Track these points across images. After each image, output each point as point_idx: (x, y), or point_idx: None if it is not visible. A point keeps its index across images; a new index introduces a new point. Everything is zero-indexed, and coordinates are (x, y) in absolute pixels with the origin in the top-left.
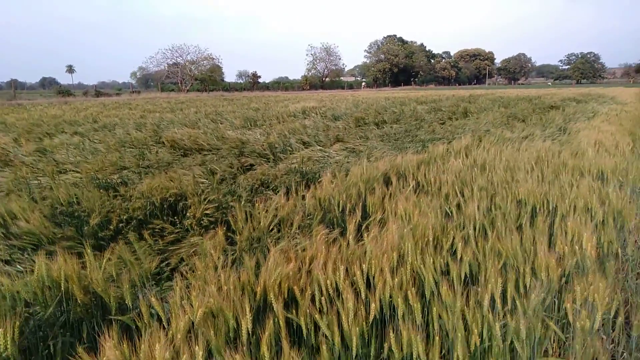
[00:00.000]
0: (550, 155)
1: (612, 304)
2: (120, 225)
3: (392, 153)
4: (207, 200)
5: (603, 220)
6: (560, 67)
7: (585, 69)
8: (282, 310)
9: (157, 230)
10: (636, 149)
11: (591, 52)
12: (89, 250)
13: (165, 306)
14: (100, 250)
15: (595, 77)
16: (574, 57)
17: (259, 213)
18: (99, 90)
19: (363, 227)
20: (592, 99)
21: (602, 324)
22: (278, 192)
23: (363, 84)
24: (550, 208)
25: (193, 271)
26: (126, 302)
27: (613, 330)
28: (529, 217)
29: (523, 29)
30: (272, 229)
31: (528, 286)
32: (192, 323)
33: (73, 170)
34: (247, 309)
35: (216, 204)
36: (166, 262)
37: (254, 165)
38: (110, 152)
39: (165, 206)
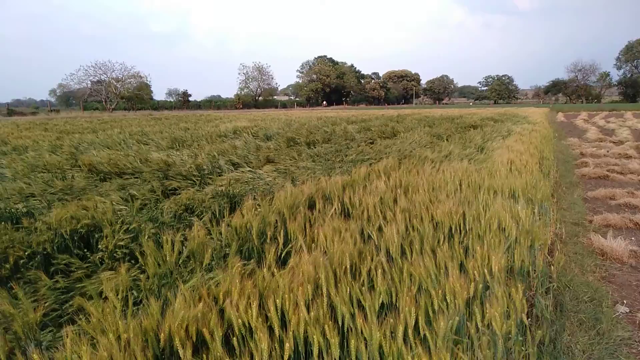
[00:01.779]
0: (467, 175)
1: (512, 327)
2: (21, 262)
3: (321, 174)
4: (122, 230)
5: (516, 239)
6: (480, 88)
7: (502, 90)
8: (190, 358)
9: (63, 265)
10: (543, 167)
11: (506, 75)
12: None
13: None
14: None
15: (510, 98)
16: (490, 79)
17: (171, 245)
18: (12, 109)
19: (282, 256)
20: (508, 118)
21: (512, 347)
22: (203, 217)
23: (324, 102)
24: (467, 229)
25: (88, 318)
26: None
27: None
28: (446, 239)
29: (444, 52)
30: (185, 262)
31: (437, 312)
32: None
33: None
34: None
35: (132, 234)
36: (70, 302)
37: (178, 189)
38: (18, 178)
39: (76, 238)
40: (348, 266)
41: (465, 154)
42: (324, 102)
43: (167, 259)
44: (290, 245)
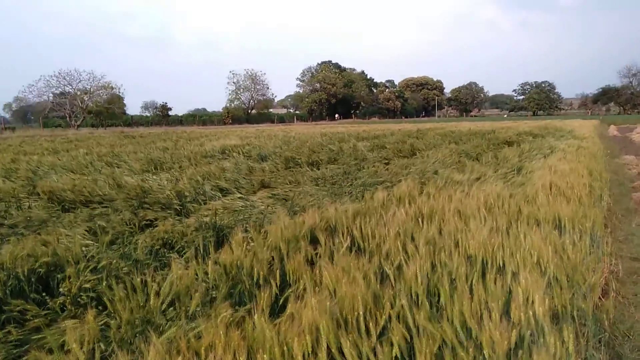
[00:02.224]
0: (501, 201)
1: None
2: None
3: (327, 201)
4: (88, 270)
5: (556, 277)
6: (515, 98)
7: (541, 100)
8: None
9: (17, 313)
10: (594, 191)
11: (546, 82)
12: None
13: None
14: None
15: (551, 108)
16: (528, 86)
17: (150, 287)
18: None
19: (281, 301)
20: (549, 133)
21: None
22: (184, 253)
23: (336, 115)
24: (501, 264)
25: None
26: None
27: None
28: (479, 276)
29: (472, 55)
30: (165, 309)
31: None
32: None
33: None
34: None
35: (99, 275)
36: (24, 358)
37: (156, 220)
38: None
39: (33, 279)
40: (361, 312)
41: (498, 175)
42: (336, 115)
43: (150, 302)
44: (290, 290)
